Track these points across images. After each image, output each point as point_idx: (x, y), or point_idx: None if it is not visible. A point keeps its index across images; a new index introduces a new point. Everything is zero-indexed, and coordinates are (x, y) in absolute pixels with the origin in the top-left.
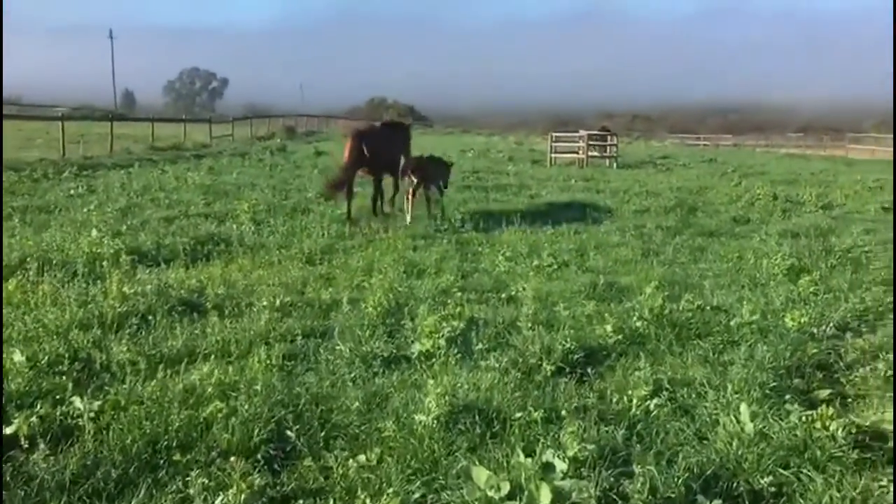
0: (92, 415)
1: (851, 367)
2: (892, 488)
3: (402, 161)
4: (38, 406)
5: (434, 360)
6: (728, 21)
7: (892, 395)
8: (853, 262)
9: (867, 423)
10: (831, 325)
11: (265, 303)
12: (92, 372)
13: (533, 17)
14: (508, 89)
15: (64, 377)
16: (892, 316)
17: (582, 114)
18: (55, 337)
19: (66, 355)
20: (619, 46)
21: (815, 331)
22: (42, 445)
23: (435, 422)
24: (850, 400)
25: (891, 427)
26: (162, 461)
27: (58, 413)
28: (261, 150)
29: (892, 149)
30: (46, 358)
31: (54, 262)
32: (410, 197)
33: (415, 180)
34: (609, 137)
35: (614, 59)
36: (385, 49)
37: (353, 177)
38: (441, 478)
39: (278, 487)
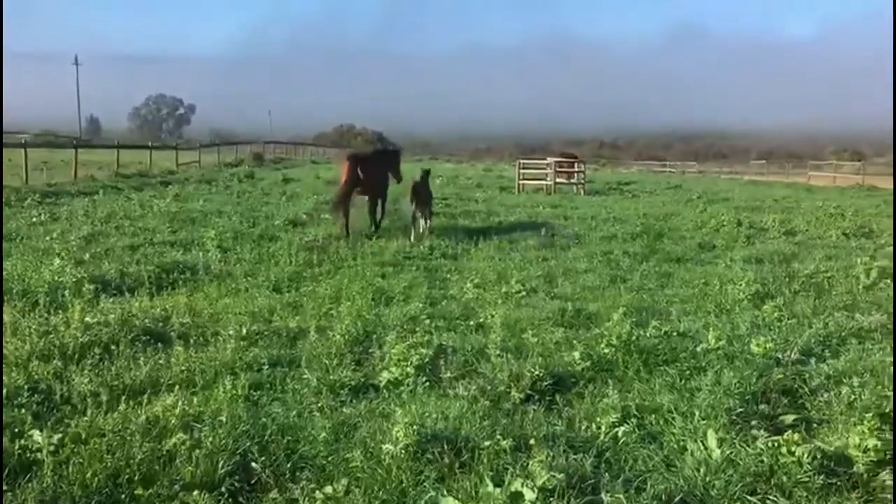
0: (52, 448)
1: (816, 393)
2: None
3: (411, 185)
4: None
5: (402, 388)
6: (692, 49)
7: (855, 419)
8: (816, 287)
9: (832, 448)
10: (796, 350)
11: (231, 332)
12: (52, 404)
13: (499, 45)
14: (476, 117)
15: (23, 410)
16: (855, 340)
17: (549, 141)
18: (14, 368)
19: (26, 387)
20: (584, 74)
21: (780, 356)
22: None
23: (403, 451)
24: (815, 425)
25: (855, 452)
26: (123, 496)
27: (16, 447)
28: (228, 176)
29: (892, 166)
30: (5, 390)
31: (15, 291)
32: (422, 218)
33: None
34: (576, 164)
35: (580, 87)
36: (353, 76)
37: (350, 196)
38: None
39: None
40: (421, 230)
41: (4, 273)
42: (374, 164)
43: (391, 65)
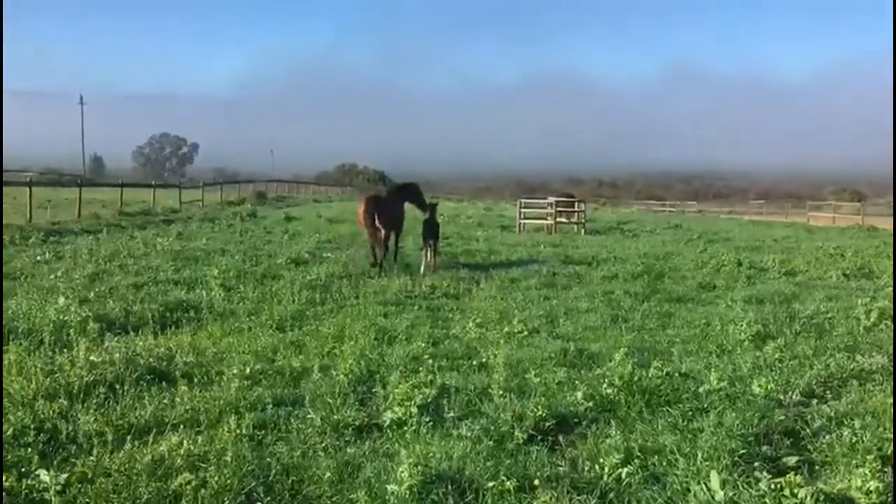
0: (58, 488)
1: (818, 434)
2: None
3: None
4: (3, 479)
5: (406, 428)
6: (689, 90)
7: (857, 461)
8: (817, 328)
9: (834, 490)
10: (797, 391)
11: (235, 371)
12: (58, 443)
13: (499, 85)
14: (477, 156)
15: (29, 449)
16: (856, 382)
17: (549, 180)
18: (20, 407)
19: (32, 426)
20: (583, 114)
21: (781, 397)
22: None
23: (407, 492)
24: (817, 467)
25: (858, 494)
26: None
27: (23, 486)
28: (231, 215)
29: (890, 206)
30: (11, 429)
31: (20, 330)
32: (429, 251)
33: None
34: (577, 203)
35: (579, 127)
36: (355, 116)
37: (379, 234)
38: None
39: None
40: (428, 262)
41: (9, 312)
42: (390, 203)
43: (393, 104)
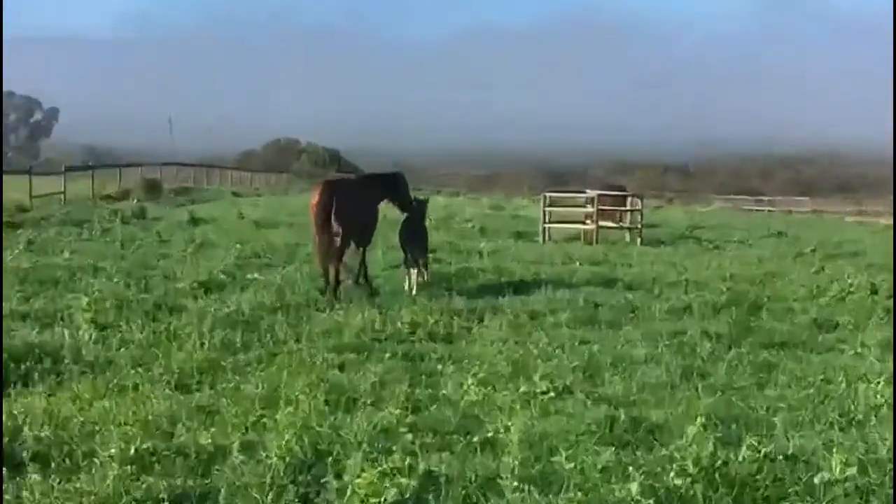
0: None
1: None
2: None
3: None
4: None
5: None
6: (794, 30)
7: None
8: None
9: None
10: None
11: (113, 451)
12: None
13: (510, 27)
14: (478, 129)
15: None
16: None
17: (587, 164)
18: None
19: None
20: (634, 66)
21: None
22: None
23: None
24: None
25: None
26: None
27: None
28: (107, 215)
29: None
30: None
31: None
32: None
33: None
34: (629, 200)
35: (628, 86)
36: (301, 70)
37: (335, 241)
38: None
39: None
40: (412, 283)
41: None
42: (356, 195)
43: (355, 56)
